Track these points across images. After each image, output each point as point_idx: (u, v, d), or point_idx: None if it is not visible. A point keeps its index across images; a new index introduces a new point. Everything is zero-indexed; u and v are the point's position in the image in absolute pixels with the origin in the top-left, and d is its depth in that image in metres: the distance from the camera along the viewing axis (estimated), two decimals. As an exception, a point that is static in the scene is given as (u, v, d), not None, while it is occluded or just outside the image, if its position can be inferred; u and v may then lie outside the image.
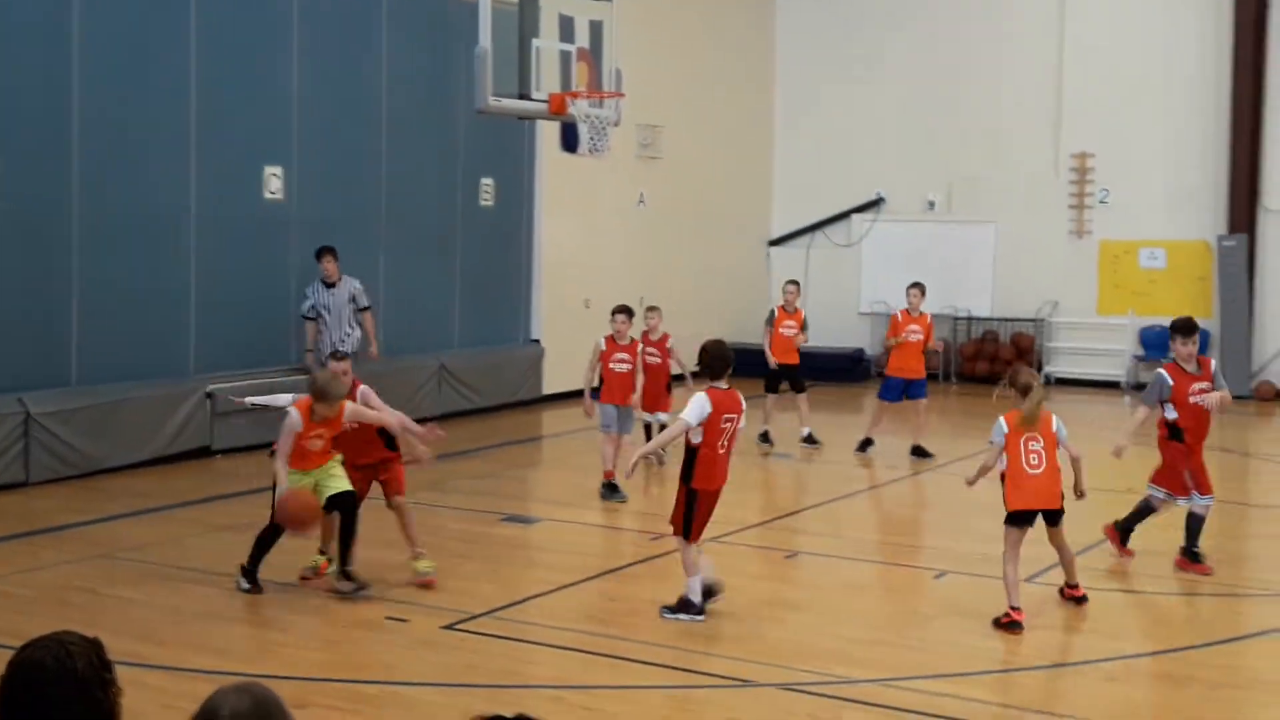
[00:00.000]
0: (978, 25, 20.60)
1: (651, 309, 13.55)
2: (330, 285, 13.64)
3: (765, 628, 7.95)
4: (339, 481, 8.31)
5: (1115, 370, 19.74)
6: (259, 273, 13.98)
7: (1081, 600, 8.29)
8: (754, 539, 10.17)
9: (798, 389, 14.31)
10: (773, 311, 14.76)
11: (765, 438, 14.17)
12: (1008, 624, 7.84)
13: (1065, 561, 8.34)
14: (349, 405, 8.32)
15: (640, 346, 12.24)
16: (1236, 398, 18.30)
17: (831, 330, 21.32)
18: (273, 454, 8.35)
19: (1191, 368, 9.22)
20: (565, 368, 17.81)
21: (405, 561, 8.73)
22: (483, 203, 16.95)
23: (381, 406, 8.75)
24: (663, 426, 13.75)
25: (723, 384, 7.86)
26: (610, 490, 11.54)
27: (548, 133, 15.89)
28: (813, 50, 21.79)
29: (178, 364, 13.23)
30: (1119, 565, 9.40)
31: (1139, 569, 9.34)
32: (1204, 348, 19.29)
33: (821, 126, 21.69)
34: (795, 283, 15.10)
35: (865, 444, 13.96)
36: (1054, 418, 7.95)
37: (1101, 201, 19.93)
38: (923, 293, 14.24)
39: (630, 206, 19.19)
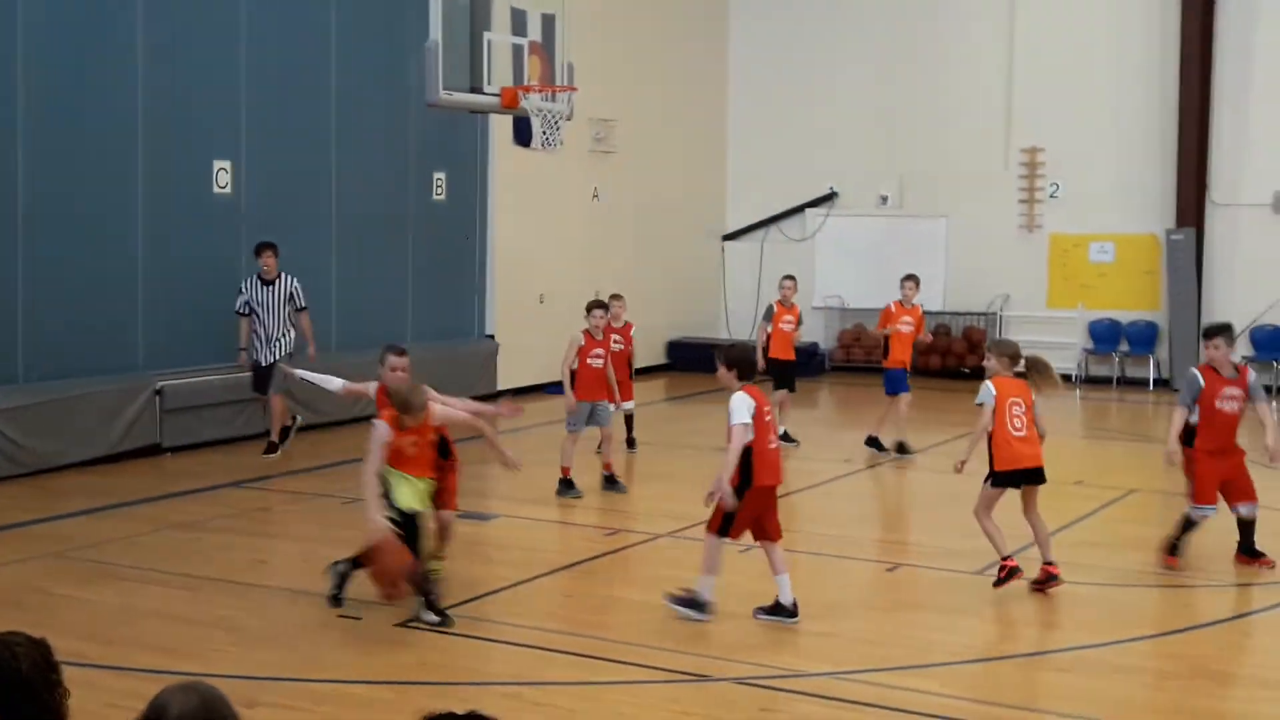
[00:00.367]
0: (929, 21, 20.72)
1: (616, 296, 13.53)
2: (268, 282, 13.17)
3: (720, 622, 7.96)
4: (418, 500, 7.90)
5: (1065, 363, 19.89)
6: (208, 268, 13.86)
7: (1051, 581, 8.42)
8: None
9: (789, 386, 14.17)
10: (770, 307, 14.49)
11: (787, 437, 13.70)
12: (1006, 575, 8.34)
13: (1041, 538, 8.54)
14: (435, 408, 7.97)
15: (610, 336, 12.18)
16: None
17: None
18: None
19: (1227, 372, 9.04)
20: (520, 362, 17.79)
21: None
22: (435, 197, 16.88)
23: (449, 400, 8.45)
24: (628, 416, 13.77)
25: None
26: (566, 487, 11.52)
27: (500, 127, 15.84)
28: (766, 44, 21.84)
29: (127, 360, 13.10)
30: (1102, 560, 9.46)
31: (1091, 561, 9.43)
32: (1152, 341, 19.62)
33: (775, 121, 21.74)
34: (792, 277, 14.78)
35: (874, 441, 13.67)
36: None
37: (1052, 196, 20.12)
38: (917, 285, 14.13)
39: (584, 201, 19.16)
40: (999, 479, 8.42)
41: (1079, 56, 19.70)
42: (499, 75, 13.32)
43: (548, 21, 13.71)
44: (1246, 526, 9.11)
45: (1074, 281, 20.07)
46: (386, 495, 7.82)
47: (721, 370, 7.93)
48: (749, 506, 7.79)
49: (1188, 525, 9.09)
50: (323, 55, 15.16)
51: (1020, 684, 7.09)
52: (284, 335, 13.21)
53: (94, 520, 10.41)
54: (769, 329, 14.26)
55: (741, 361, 7.97)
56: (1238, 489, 9.03)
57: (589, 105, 17.82)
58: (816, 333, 21.04)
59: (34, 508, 10.62)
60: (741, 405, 7.72)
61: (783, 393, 14.05)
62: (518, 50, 13.58)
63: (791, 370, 14.29)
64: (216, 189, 13.99)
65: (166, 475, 12.20)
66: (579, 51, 14.37)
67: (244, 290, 13.25)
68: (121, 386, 12.74)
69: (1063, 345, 19.84)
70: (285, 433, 13.34)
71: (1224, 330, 9.19)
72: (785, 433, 14.05)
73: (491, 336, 17.69)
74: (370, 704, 6.45)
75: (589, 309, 12.03)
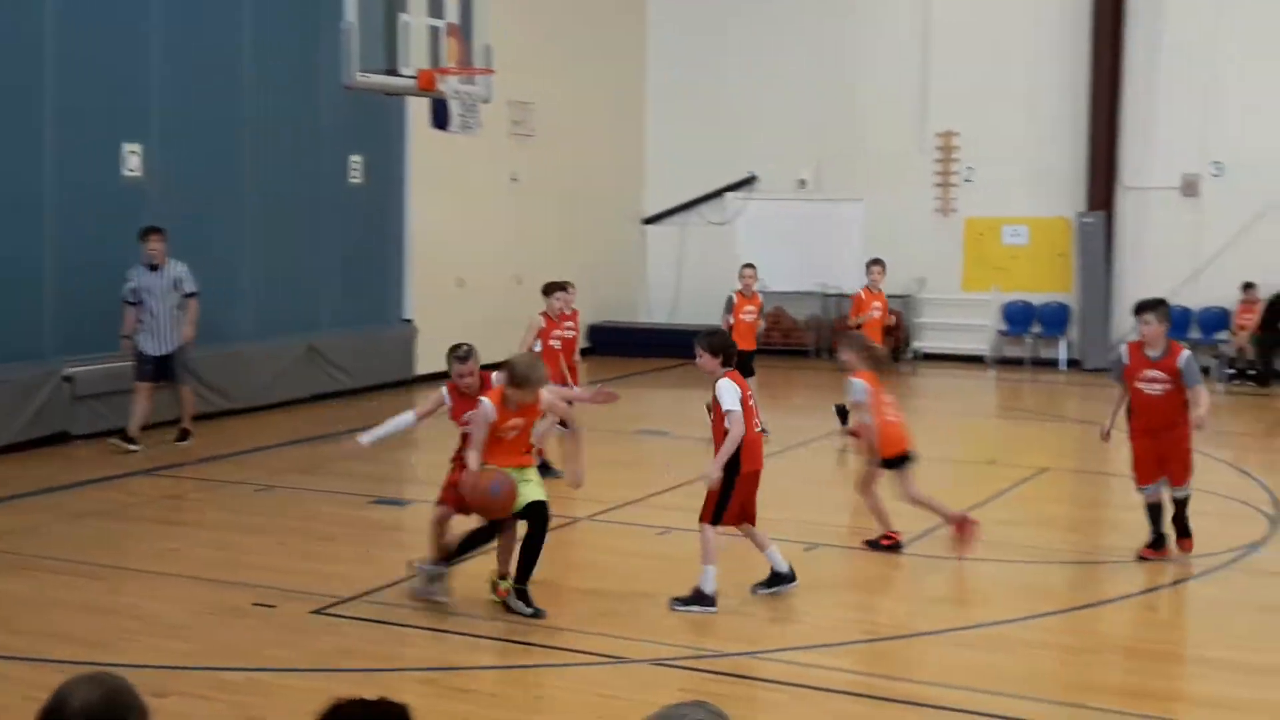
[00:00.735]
0: (847, 5, 20.86)
1: (569, 282, 13.28)
2: (154, 268, 12.61)
3: (637, 604, 7.99)
4: (534, 489, 7.55)
5: (980, 345, 20.21)
6: (118, 253, 13.58)
7: (895, 548, 8.95)
8: (628, 516, 10.21)
9: (746, 373, 14.00)
10: (731, 297, 14.30)
11: None
12: (889, 545, 8.85)
13: (935, 504, 8.94)
14: (544, 392, 7.70)
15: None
16: (1094, 370, 19.01)
17: (705, 308, 21.49)
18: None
19: (1156, 351, 8.58)
20: (439, 347, 17.62)
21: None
22: (352, 180, 16.70)
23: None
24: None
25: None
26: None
27: (419, 110, 15.70)
28: (684, 28, 21.87)
29: (34, 347, 12.83)
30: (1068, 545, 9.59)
31: (1003, 539, 9.58)
32: (1063, 323, 19.96)
33: (694, 104, 21.79)
34: (752, 266, 14.57)
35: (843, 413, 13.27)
36: None
37: (966, 180, 20.36)
38: (884, 269, 14.13)
39: (503, 184, 19.08)
40: (888, 463, 8.90)
41: (993, 42, 19.94)
42: (415, 58, 13.20)
43: (465, 4, 13.60)
44: (1177, 507, 8.82)
45: (988, 264, 20.35)
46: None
47: (705, 358, 7.88)
48: (738, 492, 7.83)
49: (1149, 510, 8.83)
50: (236, 37, 14.92)
51: (932, 660, 7.19)
52: (173, 323, 12.69)
53: (1, 510, 10.20)
54: (730, 320, 14.03)
55: (725, 348, 7.97)
56: (1169, 469, 8.72)
57: (507, 88, 17.71)
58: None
59: (-62, 498, 10.39)
60: (731, 392, 7.72)
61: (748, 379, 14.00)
62: (435, 32, 13.46)
63: (752, 360, 13.89)
64: (126, 172, 13.73)
65: (76, 463, 11.98)
66: (497, 34, 14.27)
67: (131, 277, 12.67)
68: (29, 373, 12.48)
69: (977, 327, 20.12)
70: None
71: (1154, 306, 8.69)
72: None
73: (409, 321, 17.56)
74: (283, 692, 6.39)
75: (550, 291, 11.88)
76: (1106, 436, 8.94)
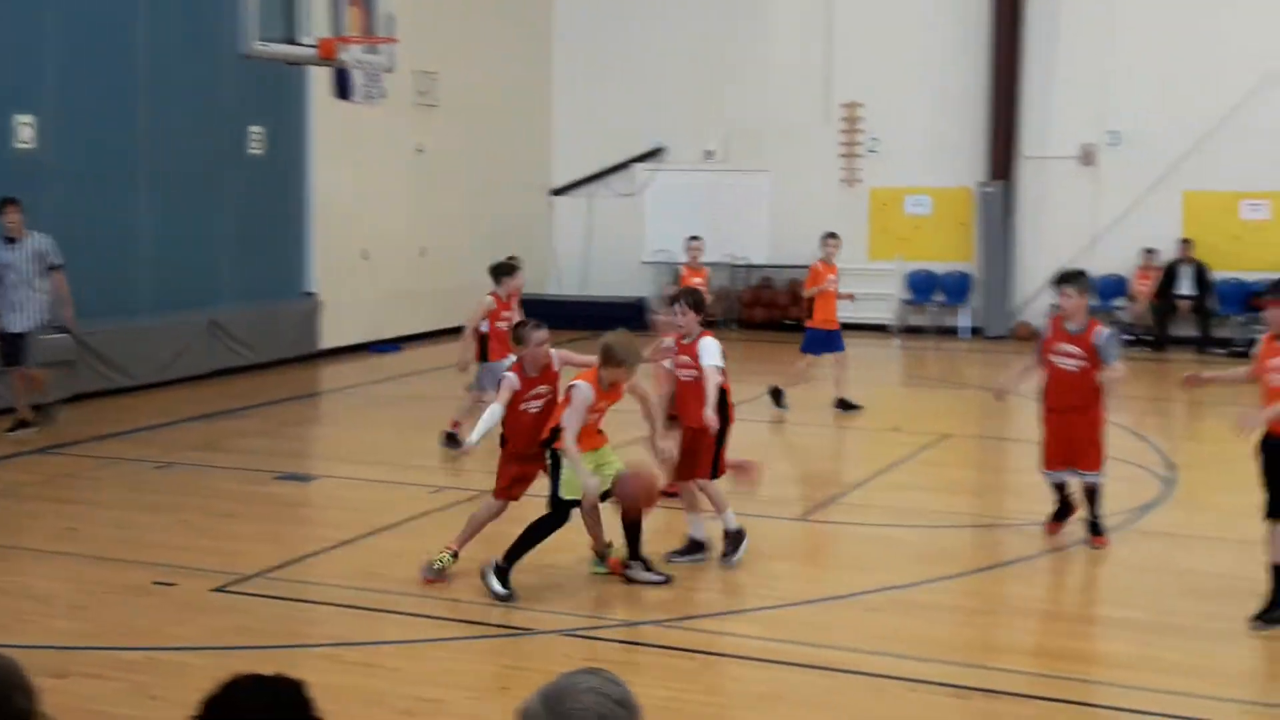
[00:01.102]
0: (751, -25, 20.88)
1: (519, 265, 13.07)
2: (11, 241, 11.76)
3: (547, 575, 7.99)
4: (617, 464, 7.64)
5: (884, 314, 20.42)
6: (10, 226, 13.23)
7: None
8: (539, 487, 10.15)
9: None
10: (678, 271, 14.08)
11: None
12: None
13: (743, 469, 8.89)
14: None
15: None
16: (995, 338, 19.32)
17: (614, 280, 21.51)
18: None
19: (1074, 325, 8.19)
20: (344, 320, 17.49)
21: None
22: (253, 151, 16.39)
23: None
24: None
25: None
26: (454, 441, 11.21)
27: (321, 79, 15.45)
28: (590, -2, 21.76)
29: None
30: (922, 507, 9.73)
31: (905, 505, 9.72)
32: (965, 291, 20.23)
33: (601, 75, 21.69)
34: (698, 238, 14.36)
35: (777, 394, 13.23)
36: None
37: (871, 151, 20.53)
38: (839, 242, 14.03)
39: (408, 155, 18.86)
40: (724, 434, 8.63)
41: (896, 14, 20.09)
42: (317, 26, 12.99)
43: (366, -29, 13.41)
44: (1089, 500, 8.35)
45: (892, 234, 20.56)
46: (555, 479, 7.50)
47: (690, 315, 8.00)
48: (727, 443, 8.03)
49: (1053, 488, 8.48)
50: (130, 5, 14.54)
51: (839, 625, 7.28)
52: (34, 299, 11.86)
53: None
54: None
55: (704, 306, 8.17)
56: (1078, 454, 8.26)
57: (412, 57, 17.49)
58: (645, 287, 21.14)
59: None
60: (715, 348, 7.91)
61: None
62: (336, 1, 13.25)
63: None
64: (18, 144, 13.35)
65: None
66: (401, 2, 14.10)
67: None
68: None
69: (882, 296, 20.32)
70: (46, 409, 12.20)
71: (1073, 278, 8.31)
72: None
73: (313, 294, 17.31)
74: (183, 670, 6.29)
75: (503, 272, 11.65)
76: (1000, 395, 9.00)
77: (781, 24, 20.73)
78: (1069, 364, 8.14)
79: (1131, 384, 16.47)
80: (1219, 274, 18.69)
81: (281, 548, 8.45)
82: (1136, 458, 11.07)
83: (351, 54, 13.64)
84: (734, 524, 8.05)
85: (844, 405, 13.37)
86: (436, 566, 7.72)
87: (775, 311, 20.51)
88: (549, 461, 7.56)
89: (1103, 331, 8.17)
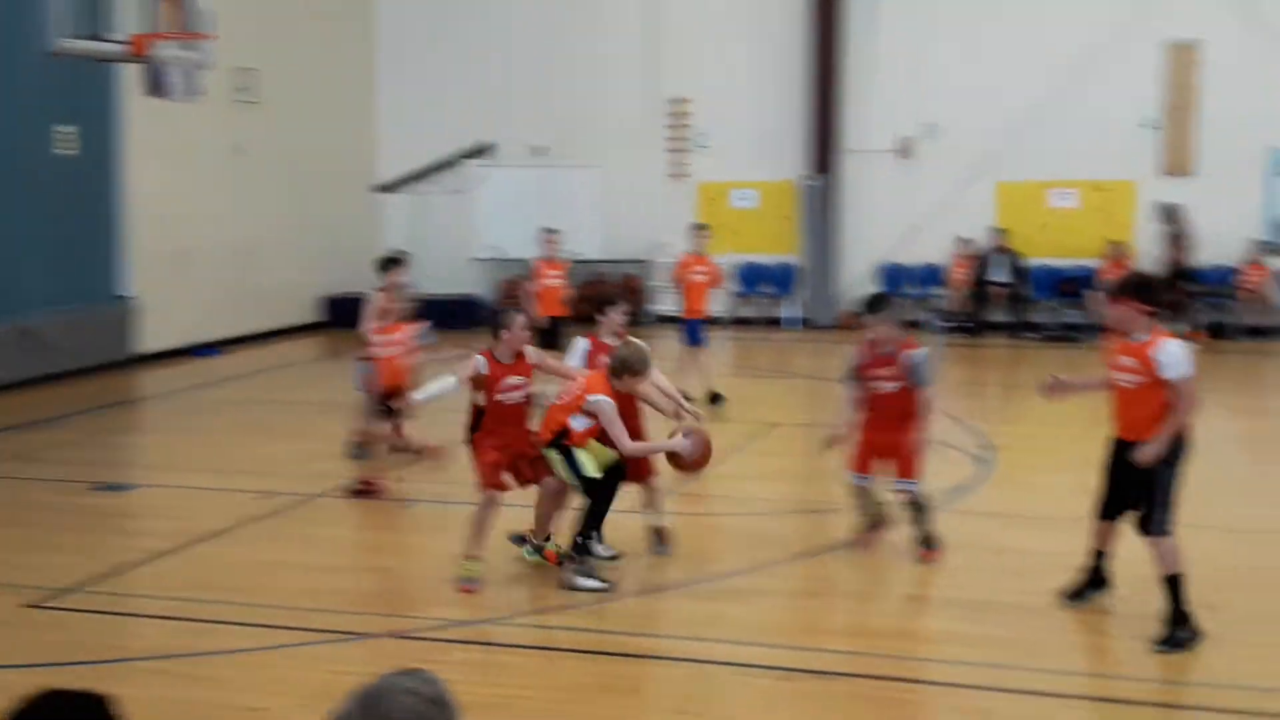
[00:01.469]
0: (575, -29, 20.93)
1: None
2: None
3: (373, 578, 7.92)
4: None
5: (715, 307, 20.67)
6: None
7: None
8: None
9: (553, 344, 13.20)
10: (534, 265, 13.88)
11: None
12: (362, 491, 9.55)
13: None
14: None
15: None
16: (822, 328, 19.75)
17: (444, 277, 21.31)
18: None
19: (887, 349, 7.90)
20: (163, 324, 16.98)
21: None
22: (62, 151, 15.79)
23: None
24: None
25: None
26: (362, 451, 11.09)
27: (135, 76, 14.97)
28: (413, -7, 21.53)
29: None
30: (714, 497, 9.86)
31: (734, 493, 9.87)
32: (791, 283, 20.62)
33: (427, 71, 21.50)
34: (555, 230, 14.15)
35: (716, 397, 13.15)
36: None
37: (699, 145, 20.78)
38: (709, 234, 13.99)
39: (228, 153, 18.40)
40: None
41: (720, 10, 20.38)
42: (129, 22, 12.59)
43: (179, -35, 13.04)
44: (911, 509, 8.05)
45: (721, 228, 20.81)
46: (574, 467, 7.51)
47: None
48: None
49: (911, 507, 8.07)
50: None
51: (664, 614, 7.38)
52: None
53: None
54: (534, 287, 13.67)
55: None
56: (891, 463, 7.95)
57: (230, 54, 17.06)
58: (476, 284, 21.05)
59: None
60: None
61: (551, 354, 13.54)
62: (150, -5, 12.88)
63: (560, 327, 13.51)
64: None
65: None
66: (215, -3, 13.76)
67: None
68: None
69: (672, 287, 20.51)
70: None
71: (875, 306, 8.00)
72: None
73: (129, 298, 16.75)
74: (-2, 692, 6.06)
75: (385, 267, 11.41)
76: (833, 443, 8.08)
77: (609, 19, 20.84)
78: (887, 386, 7.90)
79: (949, 369, 17.07)
80: (1031, 261, 19.42)
81: (101, 560, 8.18)
82: (953, 440, 11.42)
83: (166, 50, 13.25)
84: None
85: (715, 399, 13.24)
86: (468, 575, 7.56)
87: (606, 308, 20.56)
88: (559, 457, 7.52)
89: (912, 355, 7.88)
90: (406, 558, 8.31)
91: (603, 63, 20.80)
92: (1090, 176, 19.18)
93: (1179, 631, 6.56)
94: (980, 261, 19.34)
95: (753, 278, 20.80)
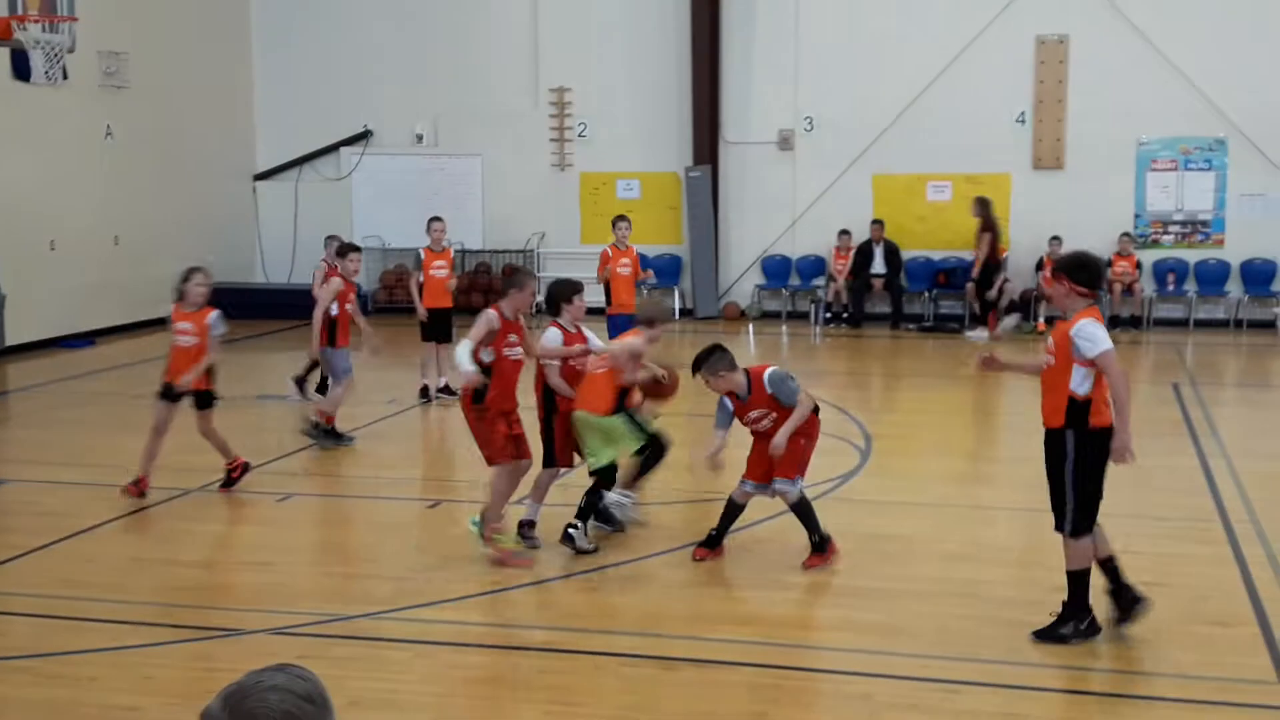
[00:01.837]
0: (457, -42, 20.72)
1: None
2: None
3: (253, 574, 7.76)
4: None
5: (600, 298, 20.66)
6: None
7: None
8: (245, 484, 9.85)
9: (444, 337, 13.19)
10: (419, 253, 13.63)
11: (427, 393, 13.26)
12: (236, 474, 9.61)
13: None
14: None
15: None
16: (705, 319, 19.85)
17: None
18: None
19: (742, 393, 7.76)
20: (30, 316, 16.47)
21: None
22: (-80, 136, 15.22)
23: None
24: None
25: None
26: (336, 436, 11.16)
27: (-4, 59, 14.49)
28: (290, -22, 21.14)
29: None
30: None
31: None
32: (677, 273, 20.69)
33: (304, 57, 21.12)
34: (440, 219, 13.82)
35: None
36: None
37: (580, 135, 20.73)
38: (629, 225, 13.91)
39: (97, 140, 17.88)
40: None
41: (599, 1, 20.32)
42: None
43: (43, -56, 12.65)
44: (794, 513, 7.93)
45: (605, 218, 20.75)
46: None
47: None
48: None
49: (793, 510, 7.94)
50: None
51: (551, 605, 7.35)
52: None
53: None
54: (420, 277, 13.44)
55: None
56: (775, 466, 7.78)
57: (97, 37, 16.62)
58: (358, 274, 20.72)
59: None
60: (553, 341, 8.21)
61: (432, 345, 13.28)
62: (12, -25, 12.46)
63: (448, 318, 13.38)
64: None
65: None
66: (82, -22, 13.37)
67: None
68: None
69: (595, 280, 20.54)
70: None
71: (699, 365, 7.77)
72: (447, 385, 12.97)
73: (-8, 289, 16.21)
74: None
75: (348, 252, 11.50)
76: (714, 465, 7.94)
77: (491, 6, 20.67)
78: (762, 424, 7.76)
79: (831, 359, 17.30)
80: (908, 253, 19.75)
81: (-36, 559, 7.91)
82: (838, 430, 11.57)
83: (30, 33, 12.86)
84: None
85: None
86: (513, 546, 7.91)
87: (493, 297, 20.40)
88: (622, 421, 8.14)
89: (766, 379, 7.68)
90: (282, 553, 8.15)
91: (484, 50, 20.64)
92: (965, 170, 19.56)
93: (1063, 628, 6.54)
94: (859, 253, 19.59)
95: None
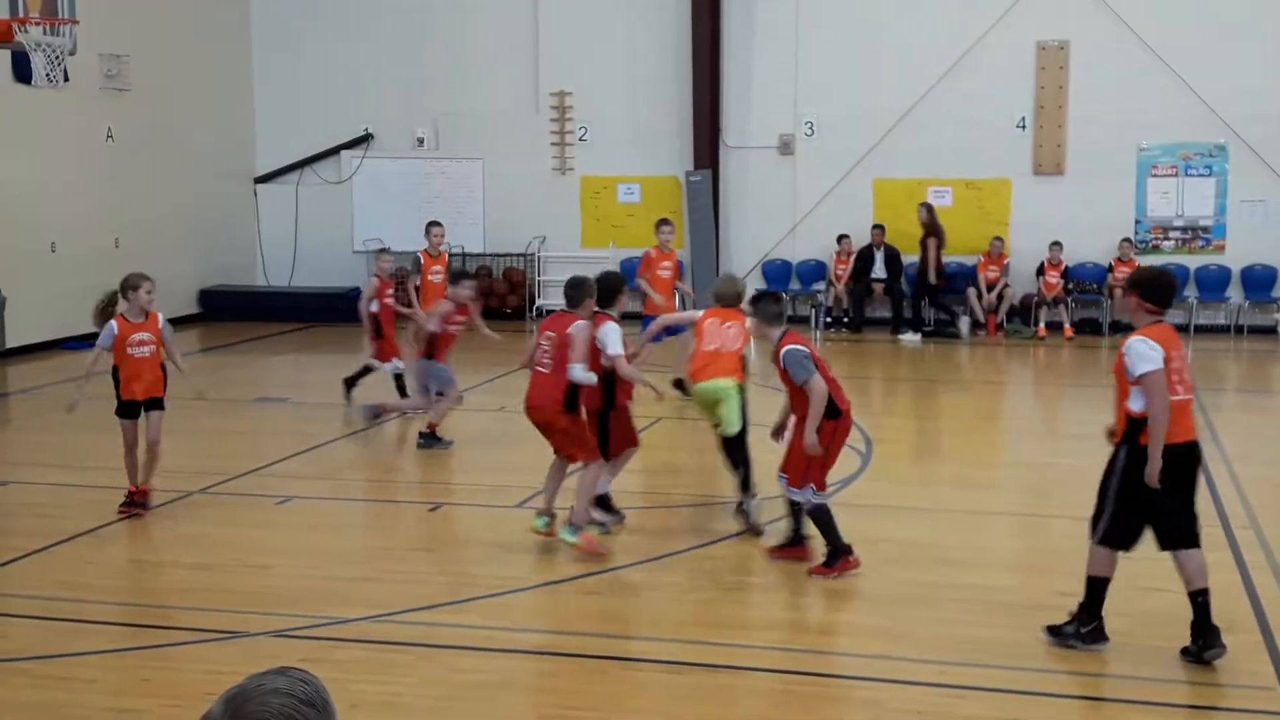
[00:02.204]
0: (458, -38, 20.72)
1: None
2: None
3: (254, 577, 7.74)
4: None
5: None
6: None
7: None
8: (245, 486, 9.85)
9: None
10: (417, 258, 13.61)
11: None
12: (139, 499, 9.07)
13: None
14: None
15: None
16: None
17: (324, 270, 20.99)
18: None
19: (770, 343, 7.89)
20: (31, 318, 16.46)
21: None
22: (-80, 138, 15.21)
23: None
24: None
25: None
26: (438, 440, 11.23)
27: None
28: (291, -20, 21.14)
29: None
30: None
31: (624, 487, 9.83)
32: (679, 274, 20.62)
33: (305, 61, 21.11)
34: (439, 224, 13.81)
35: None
36: None
37: (581, 139, 20.73)
38: (673, 229, 13.96)
39: (97, 142, 17.87)
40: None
41: (600, 5, 20.32)
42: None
43: (45, -53, 12.65)
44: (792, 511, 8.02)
45: (605, 222, 20.82)
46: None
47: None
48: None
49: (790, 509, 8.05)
50: None
51: (554, 610, 7.34)
52: None
53: None
54: (418, 281, 13.43)
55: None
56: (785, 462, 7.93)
57: (99, 40, 16.62)
58: (358, 276, 20.72)
59: None
60: (616, 334, 8.25)
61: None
62: (13, -22, 12.47)
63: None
64: None
65: None
66: (83, -20, 13.36)
67: None
68: None
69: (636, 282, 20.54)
70: None
71: (752, 300, 8.19)
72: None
73: (-9, 291, 16.18)
74: None
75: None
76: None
77: (491, 9, 20.67)
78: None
79: (833, 364, 17.24)
80: (909, 258, 19.72)
81: (-36, 560, 7.89)
82: (837, 434, 11.53)
83: (31, 35, 12.84)
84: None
85: (681, 385, 12.97)
86: (597, 535, 8.15)
87: (494, 301, 20.45)
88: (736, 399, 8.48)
89: (785, 352, 7.69)
90: (283, 556, 8.13)
91: (485, 54, 20.63)
92: (966, 175, 19.54)
93: (1068, 625, 6.51)
94: (859, 258, 19.58)
95: (633, 271, 20.76)
